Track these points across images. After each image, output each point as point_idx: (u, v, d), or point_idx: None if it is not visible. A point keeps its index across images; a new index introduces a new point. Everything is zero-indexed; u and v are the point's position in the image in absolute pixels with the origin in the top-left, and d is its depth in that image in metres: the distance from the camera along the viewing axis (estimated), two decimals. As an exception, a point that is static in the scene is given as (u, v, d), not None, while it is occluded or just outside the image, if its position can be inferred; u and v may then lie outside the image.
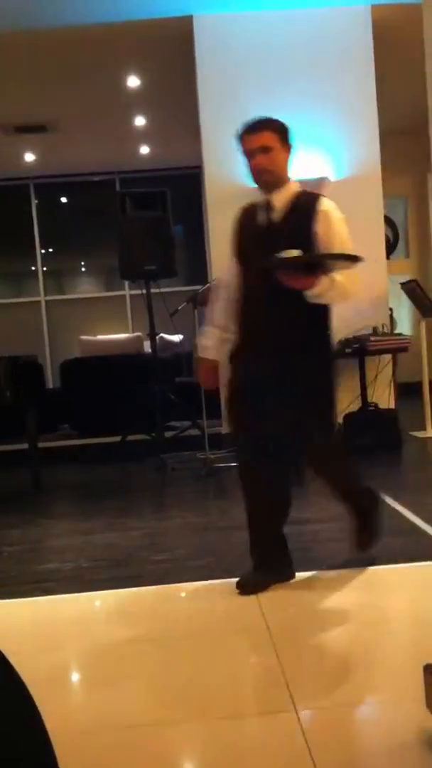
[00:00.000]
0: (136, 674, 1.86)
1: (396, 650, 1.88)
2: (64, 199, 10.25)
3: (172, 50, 5.96)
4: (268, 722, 1.56)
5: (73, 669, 2.03)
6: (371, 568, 2.50)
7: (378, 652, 1.85)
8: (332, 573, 2.51)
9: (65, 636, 2.21)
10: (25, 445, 4.69)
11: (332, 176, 5.60)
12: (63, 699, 1.77)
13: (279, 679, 1.71)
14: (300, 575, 2.49)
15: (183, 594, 2.46)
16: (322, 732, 1.49)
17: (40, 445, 4.78)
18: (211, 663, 1.89)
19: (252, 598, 2.28)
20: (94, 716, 1.66)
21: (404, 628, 2.08)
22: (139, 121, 7.87)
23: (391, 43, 5.82)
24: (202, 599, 2.41)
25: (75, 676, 1.99)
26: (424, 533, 2.87)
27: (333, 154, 5.61)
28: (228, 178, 5.63)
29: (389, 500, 3.45)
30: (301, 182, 5.82)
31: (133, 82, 6.82)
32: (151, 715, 1.62)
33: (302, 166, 5.50)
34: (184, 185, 8.85)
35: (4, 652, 0.69)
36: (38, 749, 0.66)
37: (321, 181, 5.54)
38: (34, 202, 9.68)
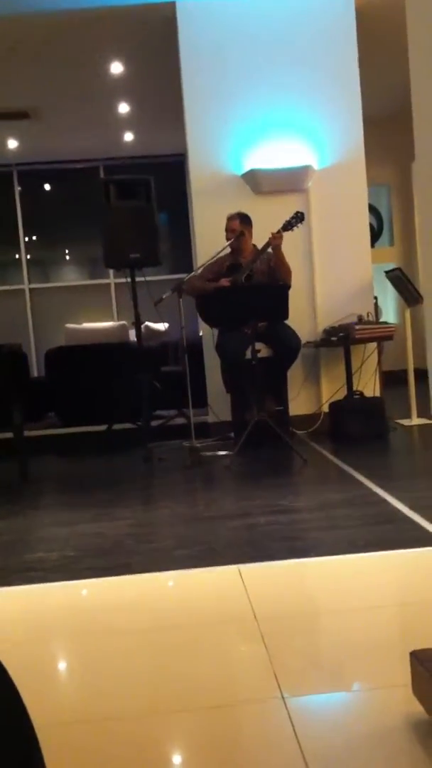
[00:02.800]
0: (123, 663, 1.86)
1: (383, 637, 1.90)
2: (47, 187, 10.19)
3: (155, 36, 5.93)
4: (256, 710, 1.56)
5: (60, 659, 2.04)
6: (358, 556, 2.52)
7: (365, 639, 1.86)
8: (319, 561, 2.52)
9: (52, 625, 2.21)
10: (10, 435, 4.67)
11: (316, 165, 5.60)
12: (50, 689, 1.77)
13: (267, 667, 1.71)
14: (287, 563, 2.50)
15: (170, 583, 2.47)
16: (310, 719, 1.50)
17: (26, 434, 4.76)
18: (199, 652, 1.90)
19: (239, 587, 2.29)
20: (82, 707, 1.66)
21: (391, 615, 2.09)
22: (123, 107, 7.82)
23: (374, 29, 5.82)
24: (190, 588, 2.41)
25: (62, 666, 1.99)
26: (409, 520, 2.88)
27: (316, 143, 5.61)
28: (212, 165, 5.62)
29: (375, 488, 3.47)
30: (286, 171, 5.89)
31: (116, 68, 6.78)
32: (139, 705, 1.63)
33: (286, 154, 5.53)
34: (169, 173, 8.82)
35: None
36: (23, 744, 0.66)
37: (305, 170, 5.54)
38: (17, 189, 9.62)
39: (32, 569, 2.67)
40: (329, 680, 1.69)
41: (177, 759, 1.46)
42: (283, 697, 1.56)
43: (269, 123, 5.58)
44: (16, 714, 0.69)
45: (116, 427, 5.43)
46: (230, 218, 5.13)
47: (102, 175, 9.26)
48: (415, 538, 2.67)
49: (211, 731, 1.50)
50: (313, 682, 1.68)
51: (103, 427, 5.49)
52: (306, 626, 2.04)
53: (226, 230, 5.11)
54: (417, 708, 1.41)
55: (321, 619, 2.13)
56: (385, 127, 7.85)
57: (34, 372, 8.91)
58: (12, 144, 8.66)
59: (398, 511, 3.04)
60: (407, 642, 1.57)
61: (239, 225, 5.07)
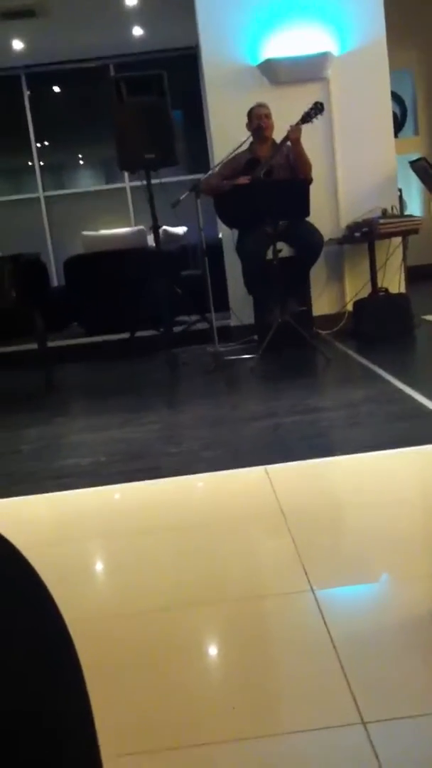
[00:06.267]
0: (155, 560, 1.91)
1: (409, 531, 1.92)
2: (57, 89, 9.85)
3: None
4: (285, 602, 1.60)
5: (92, 558, 2.09)
6: (384, 452, 2.52)
7: (391, 533, 1.88)
8: (345, 458, 2.53)
9: (85, 529, 2.26)
10: (34, 346, 4.69)
11: (335, 51, 5.32)
12: (82, 586, 1.82)
13: (295, 560, 1.75)
14: (314, 462, 2.52)
15: (199, 484, 2.50)
16: (338, 609, 1.54)
17: (49, 344, 4.78)
18: (229, 548, 1.94)
19: (266, 486, 2.31)
20: (115, 601, 1.72)
21: (416, 510, 2.11)
22: (131, 0, 7.46)
23: None
24: (218, 489, 2.45)
25: (94, 565, 2.05)
26: (436, 416, 2.88)
27: (335, 26, 5.31)
28: (226, 57, 5.37)
29: (400, 385, 3.45)
30: (304, 59, 5.58)
31: None
32: (171, 598, 1.67)
33: (303, 41, 5.25)
34: (182, 68, 8.47)
35: (26, 550, 0.69)
36: (54, 636, 0.66)
37: (324, 57, 5.28)
38: (27, 93, 9.32)
39: (63, 475, 2.71)
40: (357, 573, 1.72)
41: (210, 646, 1.51)
42: (312, 589, 1.59)
43: (285, 7, 5.28)
44: (46, 609, 0.69)
45: (139, 334, 5.42)
46: (259, 106, 4.93)
47: (112, 73, 8.91)
48: (441, 432, 2.67)
49: (242, 621, 1.54)
50: (341, 575, 1.71)
51: (125, 335, 5.48)
52: (333, 522, 2.07)
53: (257, 118, 4.90)
54: (444, 596, 1.43)
55: (348, 514, 2.15)
56: (407, 7, 7.42)
57: (54, 281, 8.86)
58: (18, 45, 8.33)
59: (423, 407, 3.02)
60: (434, 534, 1.58)
61: (268, 111, 4.89)
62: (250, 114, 4.94)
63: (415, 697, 1.22)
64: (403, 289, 5.42)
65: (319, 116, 4.73)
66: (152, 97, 4.83)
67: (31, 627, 0.64)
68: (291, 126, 4.68)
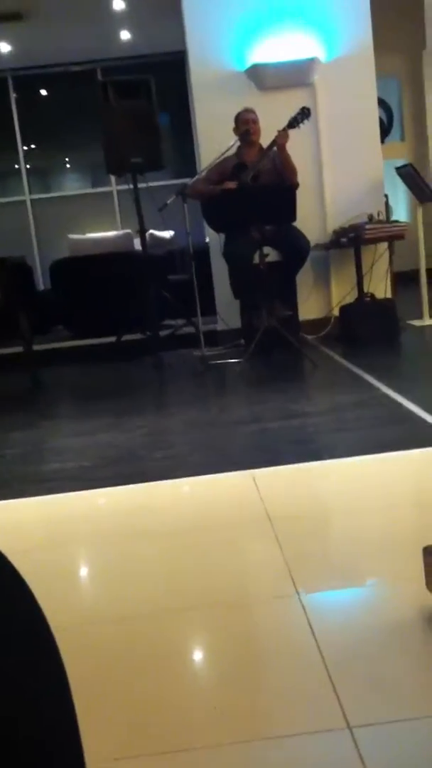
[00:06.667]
0: (141, 566, 1.90)
1: (396, 535, 1.92)
2: (44, 92, 9.84)
3: None
4: (272, 607, 1.60)
5: (78, 563, 2.08)
6: (371, 457, 2.53)
7: (379, 537, 1.89)
8: (332, 463, 2.54)
9: (71, 533, 2.25)
10: (20, 349, 4.67)
11: (322, 57, 5.34)
12: (68, 592, 1.81)
13: (281, 566, 1.74)
14: (301, 466, 2.52)
15: (186, 489, 2.49)
16: (325, 614, 1.53)
17: (34, 347, 4.76)
18: (215, 553, 1.93)
19: (253, 491, 2.31)
20: (100, 607, 1.71)
21: (404, 514, 2.11)
22: (118, 4, 7.47)
23: None
24: (205, 494, 2.44)
25: (80, 570, 2.04)
26: (421, 420, 2.89)
27: (322, 33, 5.33)
28: (214, 62, 5.38)
29: (387, 390, 3.46)
30: (291, 64, 5.59)
31: (109, -41, 6.43)
32: (156, 604, 1.66)
33: (291, 47, 5.27)
34: (169, 72, 8.48)
35: (11, 555, 0.68)
36: (40, 645, 0.66)
37: (311, 62, 5.30)
38: (13, 96, 9.30)
39: (49, 479, 2.70)
40: (343, 577, 1.72)
41: (196, 653, 1.50)
42: (298, 594, 1.59)
43: (272, 13, 5.30)
44: (32, 617, 0.69)
45: (125, 337, 5.41)
46: (247, 111, 4.95)
47: (100, 77, 8.91)
48: (427, 437, 2.68)
49: (228, 627, 1.53)
50: (328, 579, 1.71)
51: (112, 339, 5.47)
52: (320, 526, 2.07)
53: (244, 123, 4.92)
54: (429, 601, 1.43)
55: (335, 519, 2.15)
56: (394, 13, 7.46)
57: (40, 285, 8.84)
58: (5, 48, 8.31)
59: (410, 411, 3.03)
60: (419, 539, 1.58)
61: (255, 116, 4.91)
62: (238, 119, 4.96)
63: (402, 701, 1.22)
64: (389, 294, 5.44)
65: (305, 121, 4.75)
66: (139, 101, 4.83)
67: (15, 634, 0.63)
68: (278, 131, 4.70)
